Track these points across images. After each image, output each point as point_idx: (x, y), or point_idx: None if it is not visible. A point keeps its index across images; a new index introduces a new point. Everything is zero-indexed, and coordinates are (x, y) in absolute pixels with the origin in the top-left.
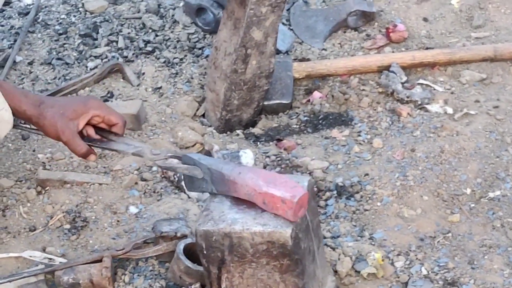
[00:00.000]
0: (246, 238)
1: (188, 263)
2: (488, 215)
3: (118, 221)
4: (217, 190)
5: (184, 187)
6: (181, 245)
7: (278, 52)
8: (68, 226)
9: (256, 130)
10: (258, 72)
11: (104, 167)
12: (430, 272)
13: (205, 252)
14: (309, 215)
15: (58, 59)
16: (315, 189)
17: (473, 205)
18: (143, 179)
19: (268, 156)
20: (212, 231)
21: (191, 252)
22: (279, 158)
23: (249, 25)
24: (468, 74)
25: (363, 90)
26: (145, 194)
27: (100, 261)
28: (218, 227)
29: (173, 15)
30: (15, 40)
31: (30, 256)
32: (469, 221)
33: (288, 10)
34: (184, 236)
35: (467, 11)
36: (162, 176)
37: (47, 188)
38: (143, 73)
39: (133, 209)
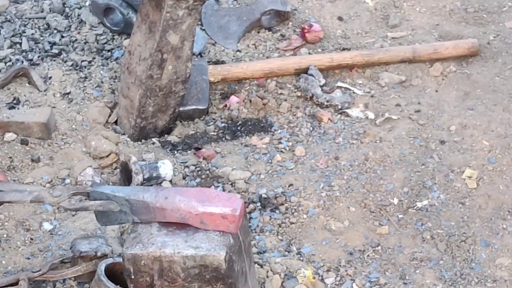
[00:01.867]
0: (177, 262)
1: (111, 285)
2: (417, 226)
3: (31, 239)
4: (139, 219)
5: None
6: (102, 266)
7: None
8: None
9: (172, 138)
10: (174, 78)
11: (14, 180)
12: None
13: (133, 277)
14: (241, 235)
15: None
16: None
17: (401, 216)
18: None
19: (187, 166)
20: (141, 255)
21: (112, 273)
22: (198, 168)
23: (165, 29)
24: (387, 76)
25: (281, 94)
26: (59, 209)
27: (15, 284)
28: (147, 250)
29: (79, 15)
30: None
31: None
32: (398, 233)
33: None
34: (105, 256)
35: (382, 10)
36: None
37: None
38: (50, 77)
39: (47, 226)
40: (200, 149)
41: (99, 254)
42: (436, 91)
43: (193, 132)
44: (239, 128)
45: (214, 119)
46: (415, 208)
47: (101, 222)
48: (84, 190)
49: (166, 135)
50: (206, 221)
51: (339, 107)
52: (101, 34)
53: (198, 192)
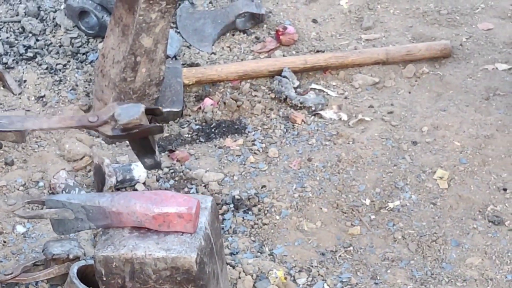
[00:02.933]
0: (148, 264)
1: (83, 287)
2: (389, 226)
3: (4, 241)
4: (96, 225)
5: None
6: (74, 268)
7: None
8: None
9: None
10: (148, 80)
11: None
12: None
13: (104, 278)
14: (213, 237)
15: None
16: None
17: (373, 216)
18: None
19: (161, 168)
20: (112, 257)
21: (85, 275)
22: (172, 171)
23: (138, 32)
24: (360, 78)
25: (255, 96)
26: (33, 208)
27: None
28: (118, 252)
29: (54, 18)
30: None
31: None
32: (369, 234)
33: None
34: (77, 258)
35: (356, 12)
36: (50, 191)
37: None
38: (25, 81)
39: (20, 229)
40: (174, 151)
41: (71, 256)
42: (409, 92)
43: (167, 134)
44: (213, 130)
45: (188, 121)
46: (387, 208)
47: (57, 232)
48: (39, 199)
49: None
50: (163, 222)
51: (313, 108)
52: (76, 37)
53: (153, 194)
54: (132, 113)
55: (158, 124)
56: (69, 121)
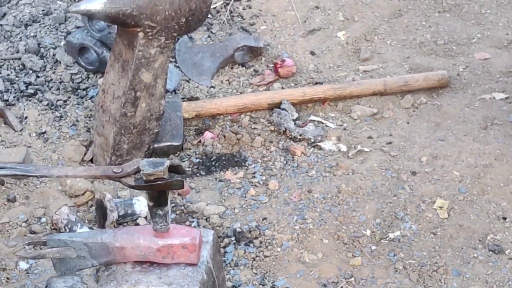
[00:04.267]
0: None
1: None
2: (390, 257)
3: (7, 278)
4: (99, 262)
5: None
6: None
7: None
8: None
9: None
10: (148, 115)
11: None
12: None
13: None
14: (215, 271)
15: None
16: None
17: (374, 247)
18: (32, 232)
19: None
20: None
21: None
22: (173, 204)
23: (138, 67)
24: (359, 109)
25: (255, 128)
26: (35, 247)
27: None
28: None
29: (54, 55)
30: None
31: None
32: (371, 264)
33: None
34: None
35: (354, 44)
36: (53, 227)
37: None
38: (26, 117)
39: (23, 265)
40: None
41: None
42: (408, 122)
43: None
44: (213, 163)
45: (188, 155)
46: (387, 239)
47: (59, 271)
48: (40, 239)
49: None
50: (167, 254)
51: (312, 140)
52: (76, 73)
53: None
54: (157, 166)
55: (180, 179)
56: (94, 171)
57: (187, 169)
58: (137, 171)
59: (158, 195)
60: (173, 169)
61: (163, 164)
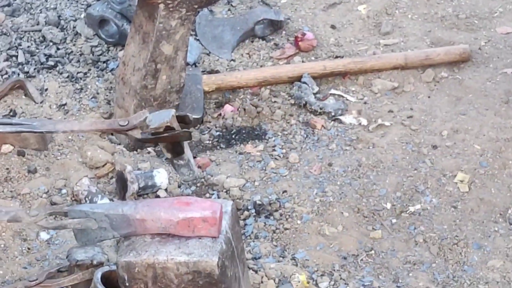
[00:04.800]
0: (170, 269)
1: None
2: (410, 230)
3: (29, 248)
4: (120, 234)
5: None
6: (98, 274)
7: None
8: None
9: None
10: (168, 87)
11: (11, 191)
12: None
13: (127, 284)
14: (234, 241)
15: None
16: None
17: (394, 220)
18: (52, 203)
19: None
20: (135, 262)
21: (109, 281)
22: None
23: (158, 39)
24: (379, 83)
25: (275, 102)
26: (56, 218)
27: None
28: (140, 257)
29: (74, 27)
30: None
31: None
32: (391, 237)
33: None
34: (101, 264)
35: (375, 18)
36: (73, 199)
37: None
38: (46, 89)
39: (44, 235)
40: (195, 157)
41: (95, 262)
42: (428, 96)
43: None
44: (233, 136)
45: (209, 128)
46: (408, 212)
47: (80, 242)
48: (61, 210)
49: None
50: (188, 227)
51: (332, 114)
52: (96, 46)
53: (176, 200)
54: (163, 117)
55: (186, 130)
56: (100, 125)
57: (207, 142)
58: (144, 124)
59: (173, 146)
60: (180, 119)
61: (169, 114)
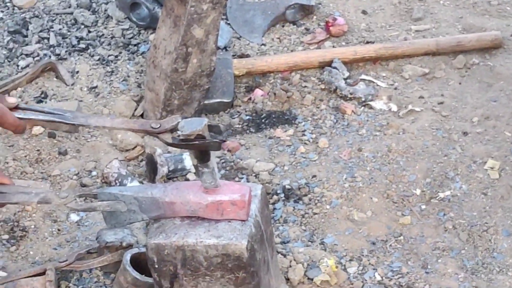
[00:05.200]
0: (199, 251)
1: (136, 274)
2: (439, 216)
3: (59, 229)
4: (149, 217)
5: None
6: (127, 256)
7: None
8: (6, 236)
9: None
10: (199, 71)
11: (42, 173)
12: (384, 277)
13: (156, 266)
14: (263, 225)
15: None
16: None
17: (423, 206)
18: (83, 185)
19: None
20: (164, 244)
21: (137, 262)
22: (223, 160)
23: (189, 23)
24: (410, 68)
25: (305, 87)
26: (85, 200)
27: (42, 273)
28: (170, 240)
29: (106, 10)
30: None
31: None
32: (420, 223)
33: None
34: (130, 246)
35: (406, 3)
36: (103, 181)
37: None
38: (77, 72)
39: (74, 217)
40: (224, 141)
41: (124, 244)
42: (459, 83)
43: (218, 124)
44: (263, 120)
45: (238, 112)
46: (437, 198)
47: (109, 224)
48: (91, 192)
49: None
50: (216, 210)
51: (363, 99)
52: (127, 29)
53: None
54: (195, 125)
55: (217, 140)
56: (132, 124)
57: (237, 125)
58: (175, 128)
59: (201, 153)
60: (212, 128)
61: (202, 123)
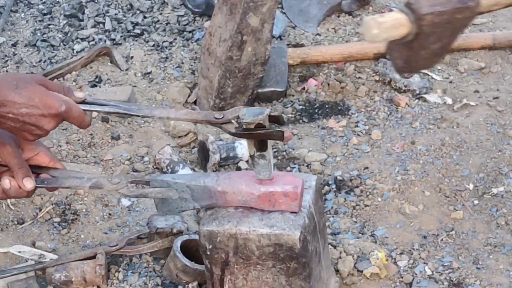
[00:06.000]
0: (252, 240)
1: (186, 261)
2: (492, 212)
3: (110, 214)
4: (201, 205)
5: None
6: (178, 242)
7: None
8: (58, 219)
9: None
10: (253, 59)
11: (94, 157)
12: (434, 272)
13: (208, 253)
14: (317, 216)
15: (43, 40)
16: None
17: (476, 201)
18: (134, 170)
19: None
20: (217, 232)
21: (187, 249)
22: (275, 150)
23: (245, 11)
24: (466, 62)
25: (360, 78)
26: (137, 186)
27: (93, 257)
28: (223, 227)
29: None
30: None
31: (19, 252)
32: (472, 218)
33: None
34: (180, 233)
35: None
36: (155, 167)
37: None
38: (132, 57)
39: (125, 202)
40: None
41: (175, 230)
42: None
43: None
44: (316, 110)
45: (292, 101)
46: (490, 194)
47: (161, 211)
48: (143, 178)
49: None
50: (269, 201)
51: (417, 92)
52: (182, 16)
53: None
54: (257, 113)
55: (281, 129)
56: (196, 115)
57: (290, 115)
58: (238, 118)
59: (259, 144)
60: (274, 119)
61: (264, 112)
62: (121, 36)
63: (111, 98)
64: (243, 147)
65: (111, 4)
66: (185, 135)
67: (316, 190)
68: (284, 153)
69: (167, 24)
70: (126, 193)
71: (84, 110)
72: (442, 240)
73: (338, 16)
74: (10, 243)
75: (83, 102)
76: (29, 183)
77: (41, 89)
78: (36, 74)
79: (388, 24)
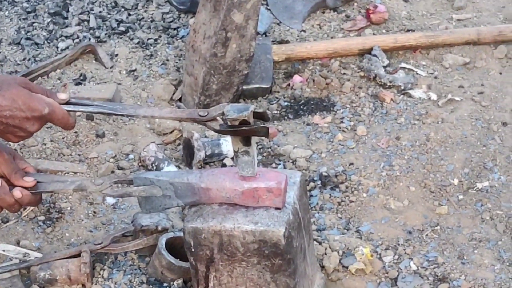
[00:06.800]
0: (236, 237)
1: (171, 258)
2: (477, 207)
3: (94, 212)
4: (184, 202)
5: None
6: (163, 240)
7: None
8: (42, 218)
9: None
10: (238, 56)
11: (79, 155)
12: (419, 267)
13: (193, 250)
14: (301, 212)
15: (27, 38)
16: None
17: (461, 196)
18: (119, 168)
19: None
20: (202, 229)
21: (172, 247)
22: (260, 146)
23: (229, 8)
24: (451, 58)
25: (345, 74)
26: (122, 184)
27: (78, 255)
28: (207, 224)
29: None
30: None
31: (3, 251)
32: (457, 213)
33: None
34: (165, 230)
35: None
36: (140, 164)
37: None
38: (117, 55)
39: (110, 200)
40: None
41: (159, 228)
42: (500, 73)
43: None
44: (301, 107)
45: (277, 98)
46: (475, 189)
47: (144, 209)
48: (126, 178)
49: None
50: (252, 197)
51: (402, 87)
52: (167, 13)
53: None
54: (241, 110)
55: (265, 126)
56: (180, 113)
57: (275, 111)
58: (223, 115)
59: (243, 140)
60: (259, 115)
61: (248, 109)
62: (105, 34)
63: (96, 96)
64: (228, 144)
65: (95, 2)
66: (170, 133)
67: (300, 186)
68: (269, 149)
69: (151, 21)
70: (110, 193)
71: (68, 110)
72: (427, 235)
73: (323, 13)
74: None
75: (67, 102)
76: (29, 179)
77: (24, 91)
78: (18, 76)
79: None
